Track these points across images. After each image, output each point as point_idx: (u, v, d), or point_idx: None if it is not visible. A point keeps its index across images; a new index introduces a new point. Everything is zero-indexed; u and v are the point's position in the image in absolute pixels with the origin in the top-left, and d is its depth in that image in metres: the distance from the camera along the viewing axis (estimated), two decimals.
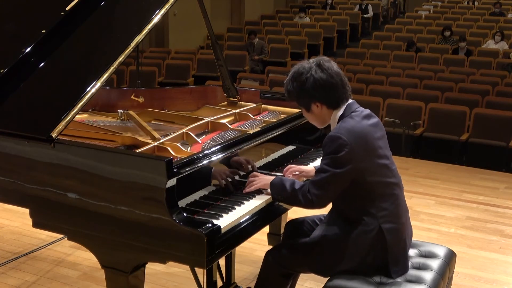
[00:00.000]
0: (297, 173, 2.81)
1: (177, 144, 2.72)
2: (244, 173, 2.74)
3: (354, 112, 2.47)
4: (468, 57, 10.32)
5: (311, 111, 2.53)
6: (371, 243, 2.44)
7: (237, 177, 2.67)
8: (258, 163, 2.87)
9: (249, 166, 2.76)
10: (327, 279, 2.53)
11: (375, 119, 2.51)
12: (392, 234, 2.44)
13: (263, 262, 2.70)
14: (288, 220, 3.09)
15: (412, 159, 6.79)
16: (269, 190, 2.58)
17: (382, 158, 2.46)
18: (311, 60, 2.52)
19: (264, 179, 2.60)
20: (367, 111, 2.52)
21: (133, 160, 2.34)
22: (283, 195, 2.51)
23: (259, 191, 2.64)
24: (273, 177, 2.59)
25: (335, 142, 2.36)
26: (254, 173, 2.70)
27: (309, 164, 3.11)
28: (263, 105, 3.62)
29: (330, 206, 2.61)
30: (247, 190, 2.61)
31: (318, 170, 2.43)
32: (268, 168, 2.92)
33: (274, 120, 3.18)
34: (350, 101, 2.51)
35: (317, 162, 3.15)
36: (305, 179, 2.80)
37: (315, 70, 2.45)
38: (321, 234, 2.57)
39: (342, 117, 2.47)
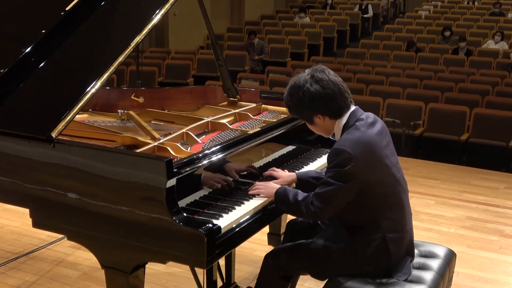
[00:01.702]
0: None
1: (177, 144, 2.72)
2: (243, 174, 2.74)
3: (358, 120, 2.41)
4: (468, 57, 10.32)
5: (314, 123, 2.50)
6: (374, 252, 2.42)
7: (231, 179, 2.65)
8: (258, 163, 2.87)
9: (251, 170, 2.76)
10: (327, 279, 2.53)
11: (379, 125, 2.46)
12: (395, 243, 2.43)
13: (263, 265, 2.70)
14: (288, 220, 3.09)
15: (412, 159, 6.79)
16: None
17: (389, 167, 2.42)
18: (306, 72, 2.46)
19: (269, 187, 2.58)
20: (371, 117, 2.47)
21: (133, 160, 2.34)
22: (286, 205, 2.49)
23: None
24: (278, 186, 2.57)
25: (340, 156, 2.31)
26: (263, 181, 2.69)
27: (308, 164, 3.12)
28: (263, 105, 3.62)
29: None
30: (250, 192, 2.61)
31: (323, 183, 2.38)
32: (267, 168, 2.92)
33: (274, 120, 3.19)
34: (353, 107, 2.46)
35: (316, 163, 3.15)
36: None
37: (311, 83, 2.39)
38: (323, 240, 2.55)
39: (346, 126, 2.42)
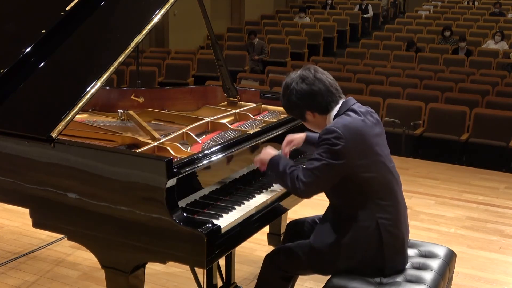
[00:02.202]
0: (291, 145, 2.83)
1: (177, 144, 2.72)
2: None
3: (350, 109, 2.47)
4: (468, 57, 10.32)
5: (307, 120, 2.58)
6: (369, 240, 2.44)
7: None
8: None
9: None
10: (327, 279, 2.53)
11: (371, 117, 2.50)
12: (389, 231, 2.45)
13: (263, 266, 2.70)
14: (288, 220, 3.09)
15: (412, 159, 6.79)
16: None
17: (379, 155, 2.46)
18: (297, 71, 2.55)
19: (266, 153, 2.62)
20: (365, 108, 2.53)
21: (133, 160, 2.34)
22: (275, 173, 2.53)
23: (259, 191, 2.67)
24: (276, 153, 2.62)
25: (330, 135, 2.36)
26: (269, 146, 2.73)
27: None
28: (263, 105, 3.62)
29: (327, 205, 2.63)
30: (256, 159, 2.66)
31: (312, 159, 2.42)
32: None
33: (274, 120, 3.19)
34: (345, 99, 2.53)
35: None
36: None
37: (297, 82, 2.49)
38: (319, 234, 2.57)
39: (337, 115, 2.48)
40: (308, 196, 2.49)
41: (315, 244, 2.55)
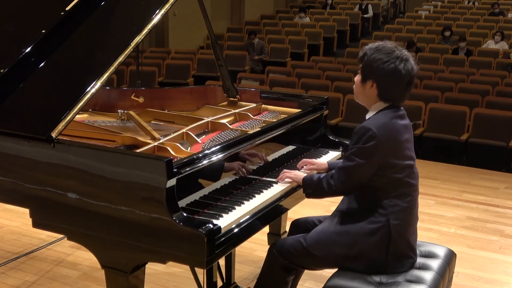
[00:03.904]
0: (310, 166, 2.94)
1: (177, 144, 2.72)
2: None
3: (392, 109, 2.48)
4: (468, 57, 10.31)
5: (363, 84, 2.51)
6: (377, 234, 2.46)
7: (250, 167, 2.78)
8: (259, 163, 2.87)
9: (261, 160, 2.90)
10: (327, 279, 2.53)
11: (407, 121, 2.55)
12: (398, 231, 2.47)
13: (267, 255, 2.74)
14: (288, 220, 3.10)
15: None
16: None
17: (408, 159, 2.50)
18: (406, 51, 2.47)
19: (298, 175, 2.73)
20: (403, 111, 2.55)
21: (133, 160, 2.34)
22: (311, 188, 2.62)
23: (259, 192, 2.67)
24: (305, 174, 2.71)
25: (365, 133, 2.41)
26: (293, 170, 2.85)
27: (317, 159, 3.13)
28: (263, 105, 3.62)
29: (327, 205, 2.63)
30: (279, 179, 2.78)
31: (345, 157, 2.51)
32: (268, 168, 2.92)
33: (274, 120, 3.19)
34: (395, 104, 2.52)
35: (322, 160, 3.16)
36: (316, 172, 2.90)
37: (402, 59, 2.41)
38: (327, 222, 2.62)
39: (381, 111, 2.50)
40: (345, 193, 2.57)
41: (319, 229, 2.61)
